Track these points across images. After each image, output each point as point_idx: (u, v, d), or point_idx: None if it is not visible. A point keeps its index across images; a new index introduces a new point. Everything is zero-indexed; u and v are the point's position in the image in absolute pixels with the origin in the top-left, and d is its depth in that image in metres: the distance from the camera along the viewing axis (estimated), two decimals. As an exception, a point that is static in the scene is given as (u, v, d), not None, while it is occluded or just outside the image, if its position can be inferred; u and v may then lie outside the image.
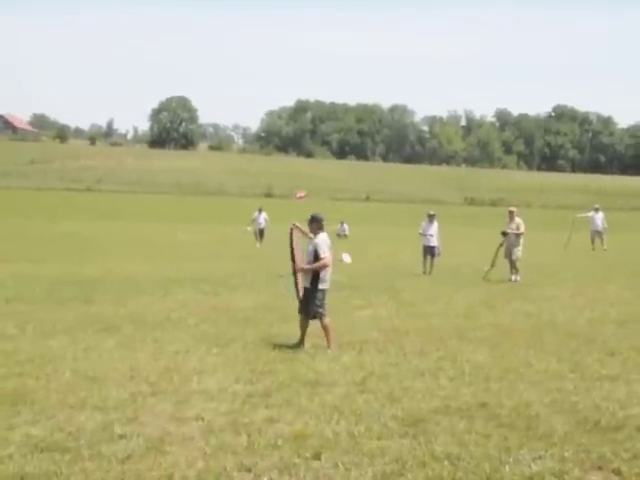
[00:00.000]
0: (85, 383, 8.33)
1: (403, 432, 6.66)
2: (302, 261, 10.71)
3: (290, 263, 10.68)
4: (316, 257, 10.38)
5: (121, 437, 6.46)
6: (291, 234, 10.79)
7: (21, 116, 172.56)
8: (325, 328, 10.47)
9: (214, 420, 6.99)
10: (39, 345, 10.53)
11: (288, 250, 10.67)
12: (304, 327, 10.64)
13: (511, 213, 20.17)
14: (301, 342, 10.61)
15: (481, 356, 9.88)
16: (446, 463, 5.85)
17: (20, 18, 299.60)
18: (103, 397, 7.72)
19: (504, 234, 19.84)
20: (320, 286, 10.43)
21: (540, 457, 5.99)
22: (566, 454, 6.06)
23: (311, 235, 10.73)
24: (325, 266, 10.38)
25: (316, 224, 10.55)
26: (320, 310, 10.42)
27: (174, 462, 5.86)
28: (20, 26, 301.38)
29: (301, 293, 10.68)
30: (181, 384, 8.35)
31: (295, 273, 10.67)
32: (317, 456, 6.01)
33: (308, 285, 10.49)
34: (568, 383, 8.44)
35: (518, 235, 19.77)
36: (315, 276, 10.42)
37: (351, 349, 10.35)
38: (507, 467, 5.76)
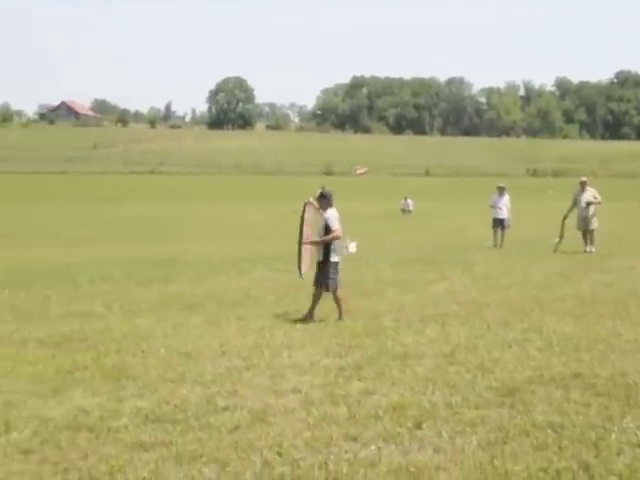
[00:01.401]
0: (180, 359, 8.59)
1: (500, 402, 6.72)
2: (309, 237, 11.21)
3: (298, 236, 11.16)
4: (327, 231, 10.80)
5: (225, 409, 6.66)
6: (304, 209, 11.23)
7: (82, 102, 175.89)
8: (337, 300, 10.84)
9: (311, 392, 7.15)
10: (128, 323, 10.87)
11: (298, 223, 11.12)
12: (316, 298, 10.95)
13: (583, 184, 19.82)
14: (310, 314, 10.87)
15: (567, 327, 9.84)
16: (549, 431, 5.89)
17: (77, 6, 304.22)
18: (200, 372, 7.95)
19: (588, 204, 19.43)
20: (332, 259, 10.83)
21: (645, 425, 5.99)
22: (671, 422, 6.04)
23: (321, 211, 11.12)
24: (337, 238, 10.82)
25: (326, 200, 10.96)
26: (332, 282, 10.80)
27: (281, 432, 6.04)
28: (78, 14, 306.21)
29: (305, 267, 11.19)
30: (272, 358, 8.54)
31: (300, 245, 11.16)
32: (419, 425, 6.12)
33: (321, 258, 10.88)
34: (661, 352, 8.37)
35: (595, 205, 19.46)
36: (327, 249, 10.83)
37: (434, 322, 10.42)
38: (613, 435, 5.77)
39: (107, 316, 11.56)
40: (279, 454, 5.56)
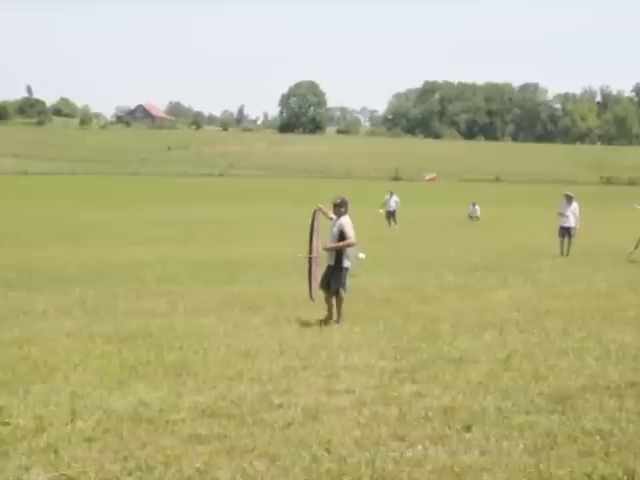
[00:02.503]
0: (239, 357, 8.84)
1: (551, 408, 6.76)
2: (317, 246, 11.39)
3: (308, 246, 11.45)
4: (341, 237, 10.94)
5: (279, 406, 6.88)
6: (313, 217, 11.37)
7: (158, 105, 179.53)
8: (339, 303, 11.07)
9: (364, 393, 7.31)
10: (192, 322, 11.19)
11: (308, 232, 11.41)
12: (329, 303, 11.14)
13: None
14: (329, 317, 11.10)
15: (627, 337, 9.75)
16: (597, 438, 5.92)
17: (154, 11, 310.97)
18: (258, 370, 8.19)
19: None
20: (344, 264, 11.04)
21: (697, 436, 5.95)
22: None
23: (333, 216, 11.23)
24: (351, 244, 11.01)
25: (344, 207, 11.10)
26: (341, 287, 11.03)
27: (331, 430, 6.21)
28: (156, 19, 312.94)
29: (315, 285, 11.40)
30: (329, 359, 8.72)
31: (310, 260, 11.37)
32: (467, 428, 6.22)
33: (332, 263, 11.08)
34: None
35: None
36: (339, 254, 11.01)
37: (492, 328, 10.45)
38: (662, 444, 5.78)
39: (171, 314, 11.92)
40: (328, 451, 5.73)
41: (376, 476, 5.28)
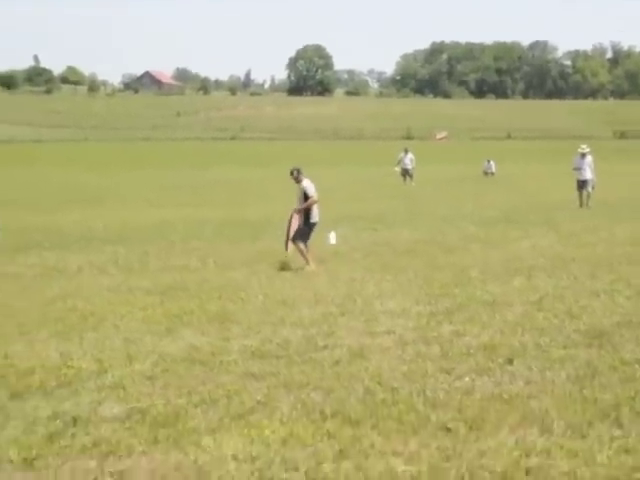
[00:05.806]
0: (277, 305, 9.11)
1: (588, 343, 7.00)
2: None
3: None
4: (305, 198, 12.24)
5: (324, 347, 7.14)
6: (291, 219, 12.42)
7: (165, 71, 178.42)
8: (301, 251, 12.19)
9: (405, 334, 7.55)
10: (224, 276, 11.48)
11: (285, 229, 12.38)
12: (303, 252, 12.17)
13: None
14: (307, 263, 12.08)
15: (657, 278, 9.95)
16: (637, 367, 6.16)
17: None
18: (298, 316, 8.45)
19: None
20: (311, 220, 12.34)
21: None
22: None
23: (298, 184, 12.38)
24: (314, 202, 12.27)
25: (298, 175, 12.45)
26: (298, 238, 12.15)
27: (378, 366, 6.47)
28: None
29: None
30: (365, 306, 8.97)
31: (287, 240, 12.43)
32: (510, 362, 6.47)
33: (301, 221, 12.28)
34: None
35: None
36: (307, 214, 12.27)
37: (520, 274, 10.66)
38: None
39: (203, 269, 12.23)
40: (379, 384, 5.99)
41: (428, 404, 5.54)
